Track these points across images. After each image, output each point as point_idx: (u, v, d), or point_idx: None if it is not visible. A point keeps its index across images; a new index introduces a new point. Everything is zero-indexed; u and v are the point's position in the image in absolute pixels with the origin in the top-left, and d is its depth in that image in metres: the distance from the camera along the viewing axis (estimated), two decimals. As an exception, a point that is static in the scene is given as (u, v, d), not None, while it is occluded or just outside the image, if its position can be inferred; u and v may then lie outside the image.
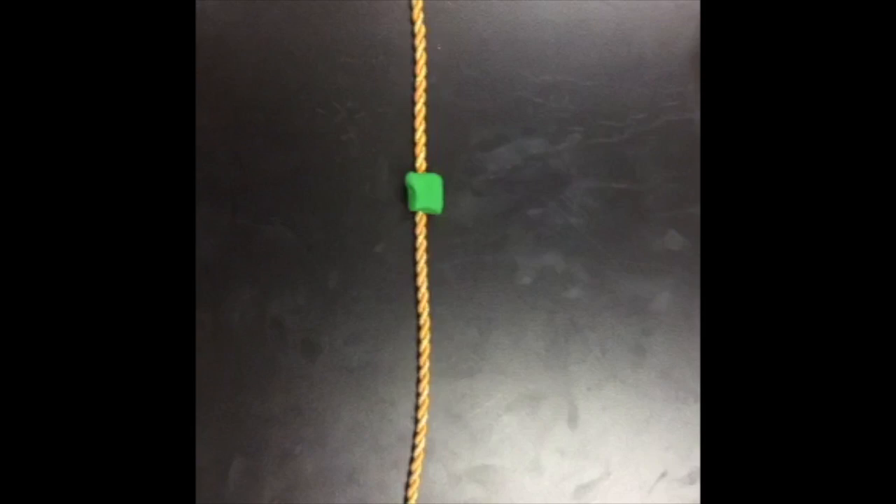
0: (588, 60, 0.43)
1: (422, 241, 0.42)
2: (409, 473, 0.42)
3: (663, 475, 0.44)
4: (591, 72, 0.43)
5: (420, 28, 0.42)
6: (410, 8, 0.42)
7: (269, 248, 0.42)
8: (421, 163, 0.42)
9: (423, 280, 0.42)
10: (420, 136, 0.42)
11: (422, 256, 0.42)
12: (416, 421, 0.42)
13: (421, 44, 0.42)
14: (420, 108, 0.42)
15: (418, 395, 0.42)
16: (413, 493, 0.42)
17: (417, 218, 0.42)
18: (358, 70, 0.42)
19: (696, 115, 0.44)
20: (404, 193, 0.42)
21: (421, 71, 0.42)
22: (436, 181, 0.41)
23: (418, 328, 0.42)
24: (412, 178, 0.41)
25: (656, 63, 0.43)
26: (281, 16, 0.42)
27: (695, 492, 0.44)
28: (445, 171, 0.42)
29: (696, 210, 0.44)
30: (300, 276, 0.42)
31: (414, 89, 0.42)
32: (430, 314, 0.42)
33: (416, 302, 0.42)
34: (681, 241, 0.44)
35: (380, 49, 0.42)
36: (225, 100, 0.42)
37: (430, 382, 0.42)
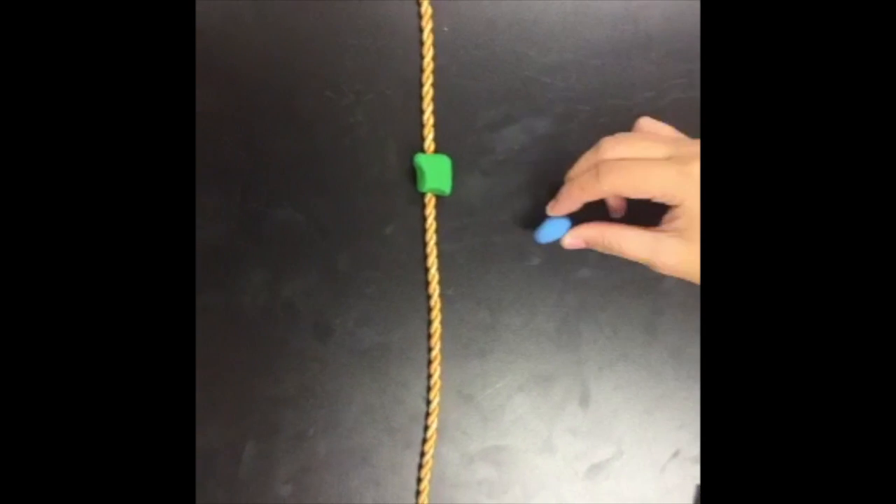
0: (595, 39, 0.43)
1: (431, 223, 0.42)
2: (422, 454, 0.42)
3: (676, 454, 0.44)
4: (598, 50, 0.43)
5: (426, 9, 0.42)
6: (416, -10, 0.42)
7: (279, 231, 0.42)
8: (429, 144, 0.42)
9: (432, 261, 0.42)
10: (428, 118, 0.42)
11: (431, 238, 0.42)
12: (428, 402, 0.42)
13: (427, 24, 0.42)
14: (427, 90, 0.42)
15: (430, 376, 0.42)
16: (426, 473, 0.42)
17: (426, 199, 0.42)
18: (365, 52, 0.42)
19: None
20: (413, 175, 0.43)
21: (428, 52, 0.42)
22: (444, 162, 0.41)
23: (429, 310, 0.42)
24: (421, 160, 0.41)
25: (663, 41, 0.43)
26: (287, 2, 0.42)
27: (708, 470, 0.44)
28: (453, 152, 0.42)
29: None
30: (311, 259, 0.42)
31: (422, 70, 0.42)
32: (441, 295, 0.42)
33: (426, 283, 0.42)
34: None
35: (387, 31, 0.42)
36: (233, 85, 0.42)
37: (441, 364, 0.42)
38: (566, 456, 0.43)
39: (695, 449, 0.44)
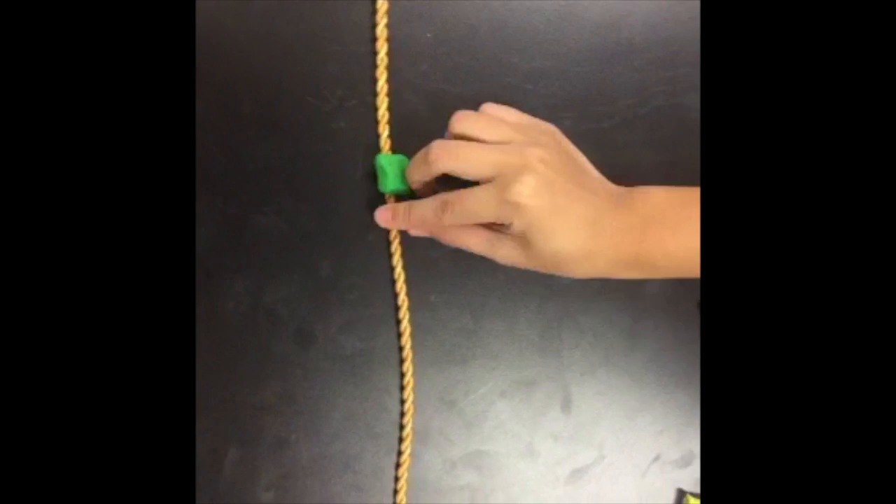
0: (577, 46, 0.43)
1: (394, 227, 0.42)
2: (399, 454, 0.42)
3: (657, 458, 0.44)
4: (581, 57, 0.43)
5: (382, 4, 0.41)
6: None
7: (261, 237, 0.42)
8: (385, 142, 0.42)
9: (397, 260, 0.42)
10: (383, 114, 0.42)
11: (395, 238, 0.42)
12: (402, 402, 0.42)
13: (382, 20, 0.41)
14: (382, 86, 0.42)
15: (402, 374, 0.42)
16: (403, 473, 0.42)
17: (387, 199, 0.42)
18: (348, 58, 0.42)
19: (687, 99, 0.44)
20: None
21: (382, 48, 0.41)
22: (405, 163, 0.41)
23: (396, 308, 0.42)
24: (382, 160, 0.41)
25: (646, 48, 0.43)
26: (269, 6, 0.42)
27: (688, 475, 0.45)
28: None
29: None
30: (293, 266, 0.42)
31: (375, 66, 0.42)
32: (408, 294, 0.42)
33: (393, 282, 0.42)
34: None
35: (370, 37, 0.42)
36: (216, 91, 0.42)
37: (413, 363, 0.42)
38: (548, 461, 0.44)
39: (675, 453, 0.44)
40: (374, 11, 0.42)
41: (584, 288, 0.44)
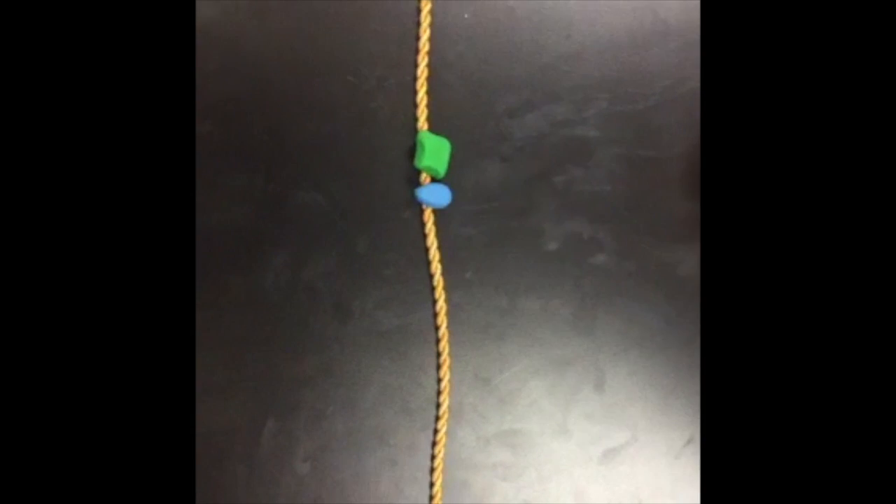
0: (614, 27, 0.44)
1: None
2: (435, 432, 0.43)
3: (690, 441, 0.44)
4: (617, 38, 0.43)
5: None
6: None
7: (300, 213, 0.43)
8: (422, 123, 0.42)
9: (432, 239, 0.43)
10: (422, 98, 0.42)
11: (429, 218, 0.43)
12: (439, 381, 0.43)
13: (426, 6, 0.42)
14: (423, 70, 0.42)
15: (439, 354, 0.43)
16: (439, 451, 0.42)
17: (422, 178, 0.43)
18: (388, 37, 0.43)
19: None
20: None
21: (424, 33, 0.42)
22: (445, 145, 0.42)
23: (432, 285, 0.43)
24: (423, 136, 0.41)
25: (682, 29, 0.43)
26: (311, -12, 0.43)
27: (722, 456, 0.44)
28: (473, 138, 0.43)
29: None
30: (331, 241, 0.43)
31: (417, 52, 0.43)
32: (443, 273, 0.43)
33: (428, 263, 0.43)
34: (707, 206, 0.44)
35: (410, 17, 0.43)
36: (257, 69, 0.43)
37: (449, 342, 0.43)
38: (581, 440, 0.44)
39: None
40: None
41: (618, 268, 0.44)
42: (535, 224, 0.44)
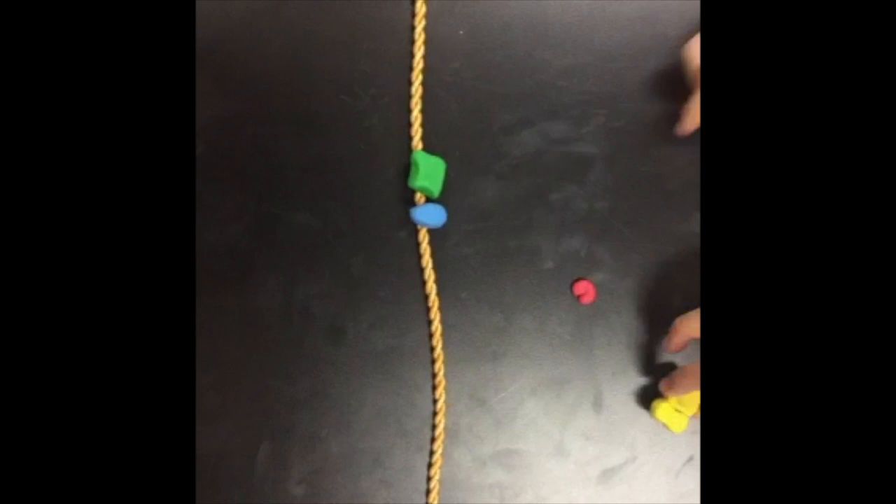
0: (611, 42, 0.43)
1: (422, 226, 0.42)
2: (431, 453, 0.42)
3: (690, 459, 0.44)
4: (615, 53, 0.43)
5: (420, 7, 0.42)
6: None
7: (294, 234, 0.42)
8: (417, 142, 0.42)
9: (427, 259, 0.42)
10: (416, 116, 0.42)
11: (424, 238, 0.42)
12: (435, 401, 0.42)
13: (420, 23, 0.41)
14: (417, 88, 0.42)
15: (434, 375, 0.42)
16: (435, 473, 0.42)
17: (417, 197, 0.42)
18: (381, 55, 0.42)
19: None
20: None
21: (418, 51, 0.42)
22: (439, 164, 0.42)
23: (427, 309, 0.42)
24: (418, 156, 0.41)
25: (680, 43, 0.43)
26: (304, 5, 0.42)
27: (722, 476, 0.44)
28: (468, 155, 0.43)
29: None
30: (325, 263, 0.43)
31: (411, 69, 0.42)
32: (439, 293, 0.42)
33: (423, 283, 0.42)
34: (707, 223, 0.43)
35: (402, 35, 0.42)
36: (249, 88, 0.42)
37: (444, 362, 0.42)
38: (578, 460, 0.43)
39: (709, 455, 0.44)
40: (413, 14, 0.42)
41: (615, 287, 0.43)
42: (532, 242, 0.43)
